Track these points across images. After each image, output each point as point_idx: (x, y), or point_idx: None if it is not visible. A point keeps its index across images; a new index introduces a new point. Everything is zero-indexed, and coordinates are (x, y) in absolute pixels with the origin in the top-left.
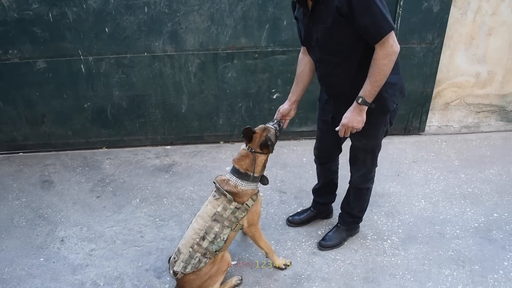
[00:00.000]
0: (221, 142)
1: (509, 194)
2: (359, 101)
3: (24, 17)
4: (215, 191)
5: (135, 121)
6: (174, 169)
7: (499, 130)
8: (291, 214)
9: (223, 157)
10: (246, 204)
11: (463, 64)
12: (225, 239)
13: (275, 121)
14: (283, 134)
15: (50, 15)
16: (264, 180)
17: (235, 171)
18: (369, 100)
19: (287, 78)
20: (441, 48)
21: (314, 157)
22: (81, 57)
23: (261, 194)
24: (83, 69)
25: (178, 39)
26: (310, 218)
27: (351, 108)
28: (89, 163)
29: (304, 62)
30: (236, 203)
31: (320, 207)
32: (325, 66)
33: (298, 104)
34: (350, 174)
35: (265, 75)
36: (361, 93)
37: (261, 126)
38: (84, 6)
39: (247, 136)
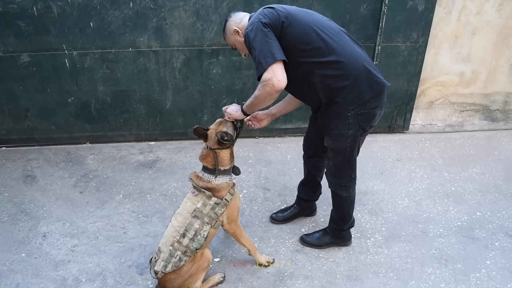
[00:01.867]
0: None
1: (492, 193)
2: (242, 103)
3: (9, 11)
4: (193, 187)
5: (119, 116)
6: (158, 165)
7: (483, 129)
8: (274, 211)
9: None
10: (225, 199)
11: (448, 63)
12: (205, 236)
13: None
14: (267, 130)
15: (34, 8)
16: (235, 171)
17: (205, 168)
18: (246, 109)
19: None
20: (425, 47)
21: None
22: (66, 51)
23: (237, 188)
24: (67, 64)
25: (163, 35)
26: (293, 215)
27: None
28: (72, 158)
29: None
30: (216, 199)
31: (303, 204)
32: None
33: (273, 119)
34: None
35: (250, 71)
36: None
37: (218, 120)
38: (69, 0)
39: (200, 135)
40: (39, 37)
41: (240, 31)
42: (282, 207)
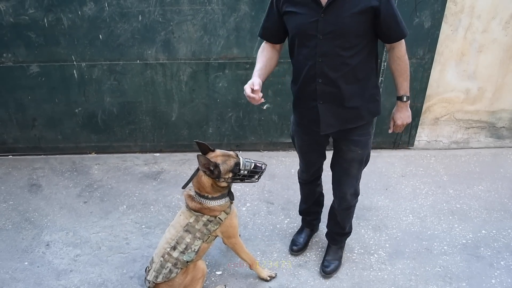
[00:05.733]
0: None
1: (498, 211)
2: (405, 99)
3: (20, 22)
4: (185, 206)
5: (125, 127)
6: (162, 176)
7: (489, 147)
8: (292, 245)
9: None
10: (218, 217)
11: (453, 80)
12: (196, 250)
13: (260, 162)
14: (272, 144)
15: (45, 20)
16: (230, 196)
17: (195, 191)
18: (408, 95)
19: (277, 89)
20: (431, 64)
21: (300, 180)
22: (74, 62)
23: (235, 209)
24: (75, 75)
25: (171, 48)
26: (309, 238)
27: (398, 109)
28: (77, 168)
29: (273, 52)
30: (209, 216)
31: (314, 223)
32: (331, 60)
33: None
34: (337, 196)
35: None
36: (402, 92)
37: (231, 152)
38: (79, 12)
39: (202, 150)
40: (49, 48)
41: None
42: (293, 237)
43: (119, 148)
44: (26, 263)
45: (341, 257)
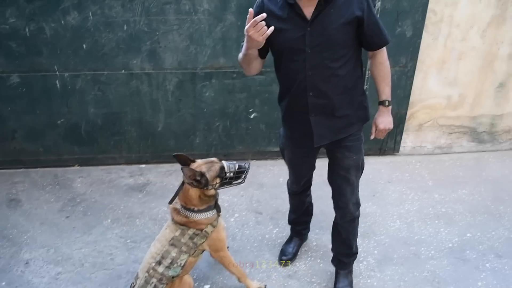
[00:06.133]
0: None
1: (481, 214)
2: (386, 104)
3: (0, 31)
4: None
5: (109, 138)
6: (148, 188)
7: (471, 151)
8: (281, 255)
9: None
10: (205, 231)
11: (435, 87)
12: (182, 265)
13: (242, 162)
14: (260, 153)
15: (27, 29)
16: (217, 208)
17: (181, 205)
18: (390, 100)
19: (264, 98)
20: (414, 72)
21: (289, 191)
22: (57, 72)
23: (223, 222)
24: (58, 85)
25: (157, 58)
26: (299, 248)
27: (380, 113)
28: (59, 181)
29: (256, 61)
30: (195, 229)
31: (303, 232)
32: (321, 73)
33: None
34: (340, 207)
35: (242, 94)
36: (384, 97)
37: (211, 158)
38: (63, 22)
39: (182, 163)
40: (30, 58)
41: None
42: (283, 247)
43: (104, 160)
44: (4, 283)
45: (351, 283)
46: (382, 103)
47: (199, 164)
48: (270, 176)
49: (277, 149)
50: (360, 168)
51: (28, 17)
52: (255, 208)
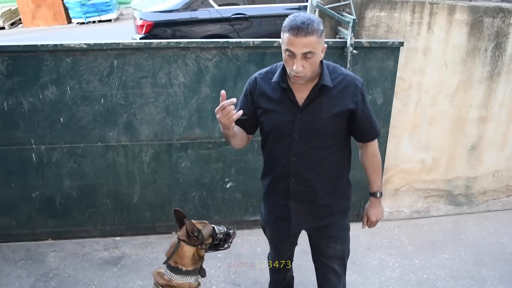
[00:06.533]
0: (174, 233)
1: (464, 279)
2: (378, 196)
3: None
4: (154, 284)
5: (84, 211)
6: (123, 261)
7: (448, 214)
8: None
9: None
10: None
11: (409, 151)
12: None
13: (230, 227)
14: (236, 223)
15: (5, 104)
16: (202, 272)
17: (168, 265)
18: (382, 191)
19: (240, 168)
20: (387, 137)
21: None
22: (33, 146)
23: None
24: (34, 158)
25: (133, 130)
26: None
27: (371, 205)
28: (32, 256)
29: (243, 134)
30: None
31: None
32: (306, 160)
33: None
34: None
35: (218, 164)
36: (375, 189)
37: (203, 220)
38: (41, 96)
39: (178, 219)
40: (7, 132)
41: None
42: None
43: (78, 233)
44: None
45: None
46: (373, 194)
47: (196, 223)
48: (248, 246)
49: (254, 218)
50: (346, 257)
51: (7, 92)
52: (233, 280)
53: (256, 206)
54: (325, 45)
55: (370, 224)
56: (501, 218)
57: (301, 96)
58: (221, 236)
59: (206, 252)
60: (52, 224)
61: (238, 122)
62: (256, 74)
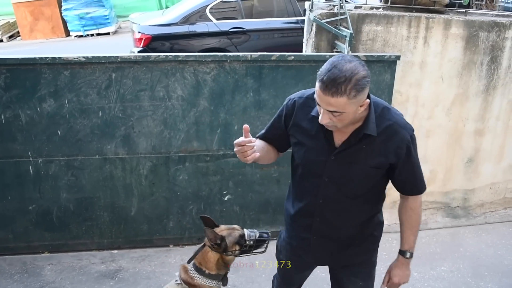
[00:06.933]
0: (171, 246)
1: None
2: (408, 256)
3: None
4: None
5: (81, 224)
6: (120, 275)
7: (446, 226)
8: None
9: (172, 262)
10: None
11: None
12: None
13: (264, 231)
14: None
15: (2, 116)
16: (224, 280)
17: (193, 263)
18: (413, 252)
19: (238, 180)
20: None
21: None
22: (30, 158)
23: None
24: (31, 171)
25: (131, 142)
26: None
27: (397, 264)
28: (28, 269)
29: (273, 150)
30: None
31: None
32: (334, 203)
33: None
34: None
35: (216, 177)
36: (406, 247)
37: (234, 226)
38: (38, 109)
39: (206, 224)
40: (4, 144)
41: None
42: None
43: (75, 246)
44: None
45: None
46: (403, 253)
47: (221, 229)
48: (245, 259)
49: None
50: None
51: (4, 104)
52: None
53: (254, 218)
54: (367, 100)
55: (391, 285)
56: (498, 230)
57: (339, 137)
58: (251, 243)
59: (237, 256)
60: (49, 237)
61: (270, 137)
62: (296, 97)
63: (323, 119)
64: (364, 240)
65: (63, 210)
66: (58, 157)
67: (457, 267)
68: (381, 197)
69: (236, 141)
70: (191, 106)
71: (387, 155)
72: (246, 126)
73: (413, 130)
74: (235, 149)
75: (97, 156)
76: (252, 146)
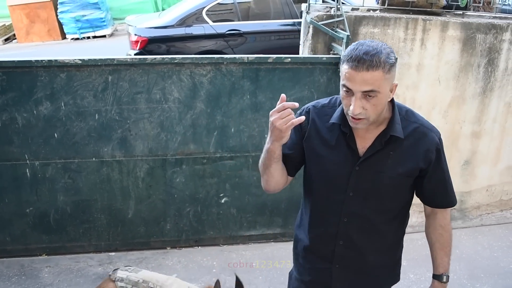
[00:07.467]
0: (168, 248)
1: None
2: (444, 280)
3: None
4: None
5: (78, 226)
6: None
7: None
8: None
9: (169, 264)
10: None
11: None
12: None
13: None
14: (231, 238)
15: None
16: None
17: None
18: (449, 274)
19: (235, 183)
20: None
21: None
22: (27, 161)
23: None
24: (28, 174)
25: (128, 145)
26: None
27: None
28: (26, 272)
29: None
30: None
31: None
32: (359, 223)
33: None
34: None
35: (213, 180)
36: (441, 270)
37: None
38: (35, 112)
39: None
40: (1, 147)
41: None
42: None
43: (72, 249)
44: None
45: None
46: (438, 277)
47: None
48: (243, 261)
49: (248, 233)
50: None
51: (1, 107)
52: None
53: (250, 221)
54: (396, 82)
55: None
56: (495, 232)
57: (363, 144)
58: None
59: None
60: (46, 240)
61: (282, 154)
62: (310, 106)
63: (356, 107)
64: (390, 269)
65: (60, 212)
66: (55, 160)
67: (453, 269)
68: (407, 214)
69: (274, 110)
70: (187, 109)
71: (416, 160)
72: (283, 95)
73: (440, 133)
74: (272, 119)
75: (94, 159)
76: (290, 111)
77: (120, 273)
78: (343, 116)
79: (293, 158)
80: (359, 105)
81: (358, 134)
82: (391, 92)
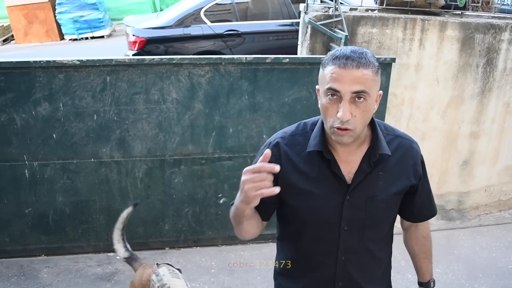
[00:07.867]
0: (167, 248)
1: None
2: (432, 286)
3: None
4: None
5: (77, 227)
6: (116, 277)
7: (441, 229)
8: None
9: None
10: None
11: None
12: None
13: None
14: (230, 238)
15: None
16: None
17: None
18: (434, 279)
19: (233, 183)
20: None
21: None
22: (26, 162)
23: None
24: (27, 174)
25: (126, 146)
26: None
27: None
28: (25, 272)
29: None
30: None
31: None
32: (358, 258)
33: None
34: None
35: (211, 180)
36: (428, 277)
37: None
38: (33, 113)
39: None
40: None
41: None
42: None
43: (71, 249)
44: None
45: None
46: (426, 285)
47: None
48: (244, 259)
49: None
50: None
51: None
52: None
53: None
54: (380, 92)
55: None
56: (493, 233)
57: (348, 169)
58: None
59: None
60: (45, 240)
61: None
62: (277, 138)
63: (345, 112)
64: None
65: (59, 213)
66: (53, 161)
67: (451, 269)
68: (392, 235)
69: (249, 168)
70: (186, 109)
71: (407, 176)
72: (268, 151)
73: (418, 144)
74: (244, 178)
75: (92, 160)
76: (271, 177)
77: (162, 270)
78: (323, 141)
79: (267, 204)
80: (348, 110)
81: (341, 159)
82: (376, 102)
